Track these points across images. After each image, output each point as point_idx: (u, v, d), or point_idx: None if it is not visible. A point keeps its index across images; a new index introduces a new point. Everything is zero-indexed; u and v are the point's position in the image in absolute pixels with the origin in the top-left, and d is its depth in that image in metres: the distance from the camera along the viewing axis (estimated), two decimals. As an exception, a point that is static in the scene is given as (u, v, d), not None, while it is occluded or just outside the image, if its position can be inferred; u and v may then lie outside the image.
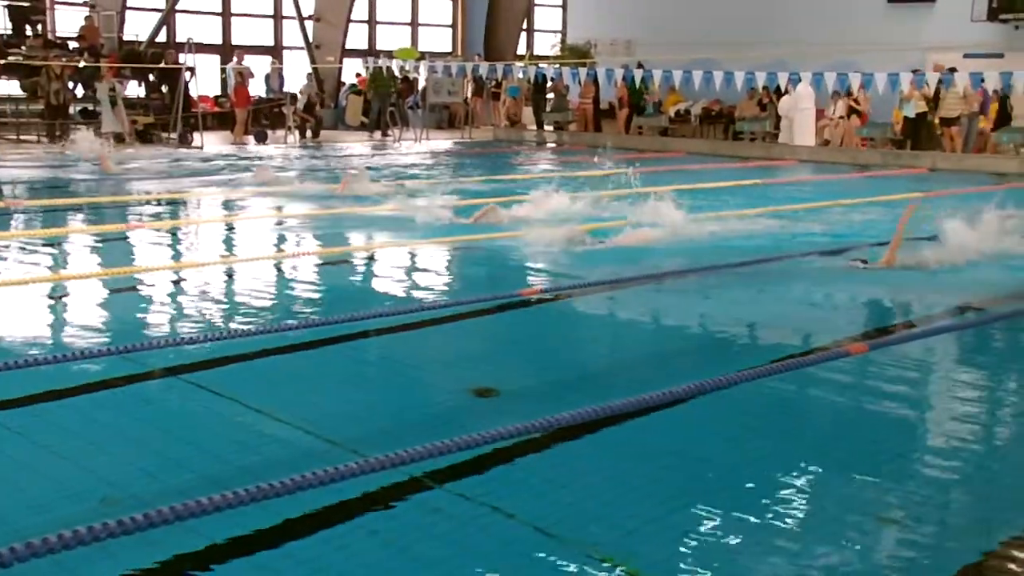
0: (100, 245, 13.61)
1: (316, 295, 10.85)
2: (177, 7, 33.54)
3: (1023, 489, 5.69)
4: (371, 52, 36.40)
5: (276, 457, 5.97)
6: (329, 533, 5.08)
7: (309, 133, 31.27)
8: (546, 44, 41.86)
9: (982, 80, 22.82)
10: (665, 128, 30.96)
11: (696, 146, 29.02)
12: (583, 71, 29.95)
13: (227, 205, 17.21)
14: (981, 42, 26.20)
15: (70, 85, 28.78)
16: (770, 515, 5.27)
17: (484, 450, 5.91)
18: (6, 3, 30.62)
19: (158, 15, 33.10)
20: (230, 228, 15.09)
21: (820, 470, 6.02)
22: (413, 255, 12.84)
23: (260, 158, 24.84)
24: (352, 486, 5.34)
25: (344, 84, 35.60)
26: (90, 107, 28.62)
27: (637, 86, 29.92)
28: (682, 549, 4.90)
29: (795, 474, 5.94)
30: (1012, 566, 4.69)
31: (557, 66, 32.12)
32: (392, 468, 5.46)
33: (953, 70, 23.81)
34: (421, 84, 34.41)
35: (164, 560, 4.71)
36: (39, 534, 4.34)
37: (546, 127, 33.36)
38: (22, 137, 28.11)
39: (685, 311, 10.01)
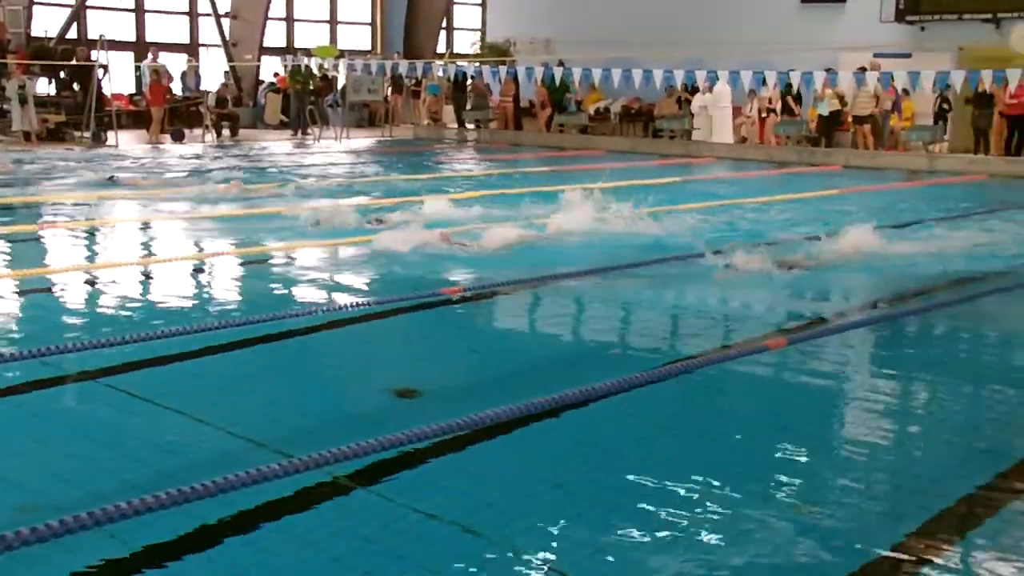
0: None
1: (229, 296, 10.87)
2: (88, 3, 33.23)
3: (929, 483, 5.79)
4: (289, 50, 36.31)
5: (197, 459, 5.97)
6: (252, 536, 5.10)
7: (227, 132, 31.09)
8: (466, 42, 42.01)
9: (892, 79, 23.23)
10: (585, 126, 31.16)
11: (616, 144, 29.25)
12: (503, 69, 30.01)
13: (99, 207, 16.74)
14: (890, 42, 26.63)
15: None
16: (682, 512, 5.38)
17: (405, 449, 5.97)
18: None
19: (68, 10, 32.79)
20: (113, 230, 14.81)
21: (731, 466, 6.16)
22: (298, 257, 12.64)
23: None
24: (274, 488, 5.38)
25: (263, 82, 35.51)
26: (1, 106, 28.32)
27: (557, 84, 30.11)
28: (603, 543, 4.99)
29: (703, 472, 6.06)
30: (918, 557, 4.77)
31: (477, 64, 32.17)
32: (315, 468, 5.51)
33: (863, 69, 24.19)
34: (341, 82, 34.44)
35: (84, 568, 4.68)
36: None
37: (467, 125, 33.45)
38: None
39: (574, 314, 10.17)
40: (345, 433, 6.01)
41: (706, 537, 5.08)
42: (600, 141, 29.71)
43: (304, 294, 10.73)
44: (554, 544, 5.02)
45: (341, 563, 4.88)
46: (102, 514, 4.76)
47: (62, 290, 10.99)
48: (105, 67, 29.61)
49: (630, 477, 5.86)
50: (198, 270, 11.98)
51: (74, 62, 30.02)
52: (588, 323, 10.15)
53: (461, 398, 7.19)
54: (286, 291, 10.76)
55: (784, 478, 5.95)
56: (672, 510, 5.42)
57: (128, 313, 9.80)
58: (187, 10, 35.58)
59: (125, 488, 5.33)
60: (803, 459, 6.27)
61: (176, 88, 32.32)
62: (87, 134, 28.17)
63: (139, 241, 14.12)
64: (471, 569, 4.78)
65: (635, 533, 5.19)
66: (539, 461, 6.22)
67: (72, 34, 32.64)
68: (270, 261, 12.25)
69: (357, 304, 9.72)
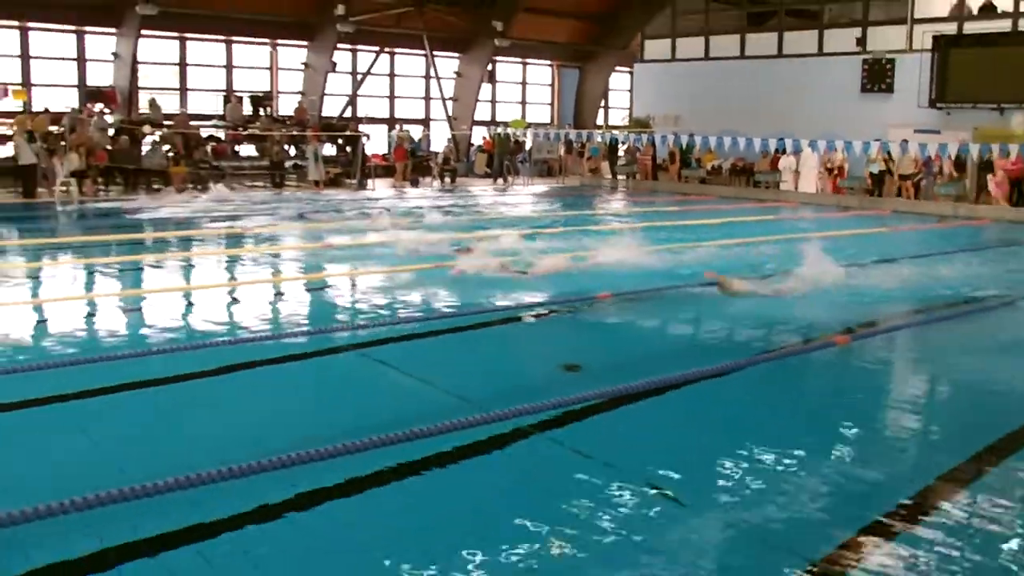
0: (303, 257, 13.93)
1: (440, 295, 10.60)
2: (358, 93, 34.19)
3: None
4: (493, 122, 36.75)
5: (424, 409, 6.23)
6: (467, 464, 5.38)
7: (447, 180, 31.64)
8: (618, 117, 42.04)
9: (926, 148, 22.85)
10: (703, 178, 30.88)
11: (726, 191, 28.99)
12: (644, 136, 30.07)
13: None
14: (925, 122, 26.08)
15: (287, 148, 29.55)
16: (788, 460, 5.51)
17: (572, 408, 6.19)
18: (250, 94, 31.55)
19: (345, 99, 33.80)
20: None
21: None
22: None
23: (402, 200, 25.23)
24: (476, 432, 5.65)
25: (473, 145, 35.92)
26: (299, 162, 29.30)
27: (684, 147, 30.05)
28: (718, 482, 5.17)
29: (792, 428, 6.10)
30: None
31: (626, 133, 32.21)
32: (506, 420, 5.77)
33: (906, 141, 23.71)
34: (528, 145, 34.65)
35: (347, 479, 5.01)
36: (246, 460, 4.72)
37: (618, 176, 33.48)
38: (254, 184, 28.87)
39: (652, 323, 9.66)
40: (528, 395, 6.28)
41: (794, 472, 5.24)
42: (714, 189, 29.47)
43: (484, 295, 10.53)
44: (676, 479, 5.19)
45: (524, 484, 5.14)
46: (359, 444, 5.13)
47: (336, 288, 11.39)
48: (367, 135, 30.50)
49: (743, 433, 6.02)
50: (400, 278, 11.67)
51: (347, 132, 30.89)
52: (694, 323, 9.88)
53: (611, 372, 7.29)
54: (465, 294, 10.47)
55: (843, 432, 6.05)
56: (776, 456, 5.55)
57: (372, 306, 10.13)
58: (423, 95, 36.30)
59: (374, 426, 5.64)
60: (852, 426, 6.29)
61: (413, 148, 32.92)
62: (354, 181, 29.01)
63: (367, 257, 13.78)
64: (611, 487, 5.00)
65: (729, 466, 5.34)
66: (674, 421, 6.36)
67: (347, 114, 33.65)
68: (460, 274, 11.69)
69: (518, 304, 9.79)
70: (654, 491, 5.00)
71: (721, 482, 5.18)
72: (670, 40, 34.57)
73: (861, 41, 29.16)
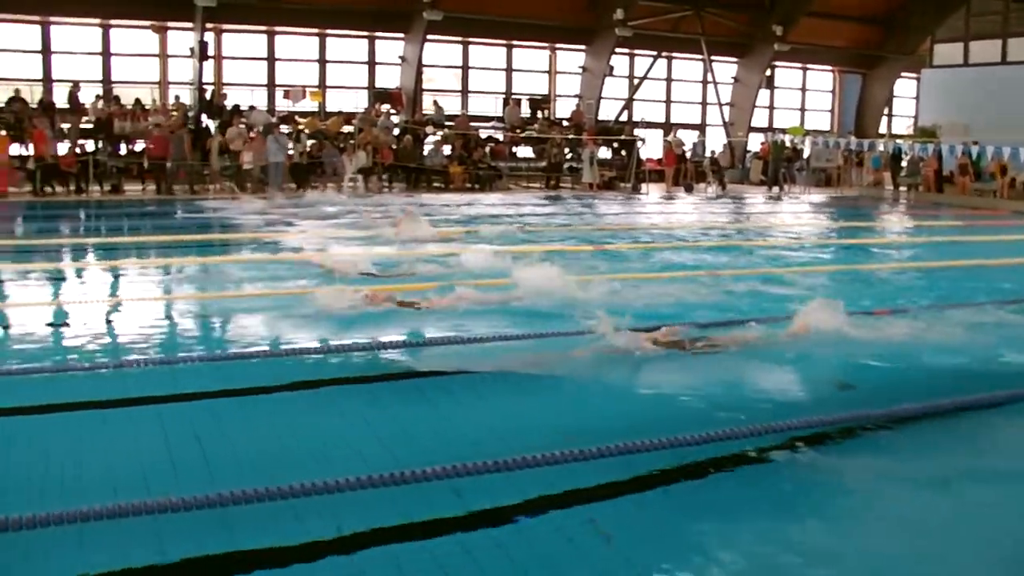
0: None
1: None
2: (634, 97, 34.80)
3: None
4: (770, 128, 36.44)
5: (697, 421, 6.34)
6: (723, 474, 5.40)
7: (719, 186, 31.58)
8: (902, 125, 40.58)
9: None
10: (994, 191, 29.43)
11: (1019, 206, 27.39)
12: (930, 146, 28.97)
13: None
14: None
15: (563, 150, 30.53)
16: None
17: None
18: (528, 97, 32.84)
19: (621, 103, 34.51)
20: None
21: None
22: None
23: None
24: (742, 443, 5.74)
25: (748, 151, 35.72)
26: (574, 165, 30.17)
27: (974, 158, 28.74)
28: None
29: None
30: None
31: (910, 143, 31.15)
32: (776, 432, 5.91)
33: None
34: (806, 153, 34.07)
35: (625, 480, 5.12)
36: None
37: (900, 188, 32.39)
38: (530, 184, 29.98)
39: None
40: (798, 411, 6.33)
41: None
42: (1006, 204, 27.98)
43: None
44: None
45: (799, 492, 5.16)
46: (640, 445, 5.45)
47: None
48: (643, 140, 31.01)
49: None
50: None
51: (623, 136, 31.52)
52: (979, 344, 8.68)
53: (885, 393, 6.92)
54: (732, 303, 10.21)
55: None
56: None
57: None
58: (699, 100, 36.48)
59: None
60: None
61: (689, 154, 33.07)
62: (628, 185, 29.58)
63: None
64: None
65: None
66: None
67: (623, 118, 34.34)
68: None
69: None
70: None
71: None
72: (962, 44, 33.16)
73: None
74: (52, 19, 27.40)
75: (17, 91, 26.57)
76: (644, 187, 29.32)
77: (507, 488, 4.85)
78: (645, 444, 5.42)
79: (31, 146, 23.91)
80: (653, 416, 6.28)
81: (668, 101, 36.05)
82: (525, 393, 6.88)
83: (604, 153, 31.49)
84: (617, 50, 32.64)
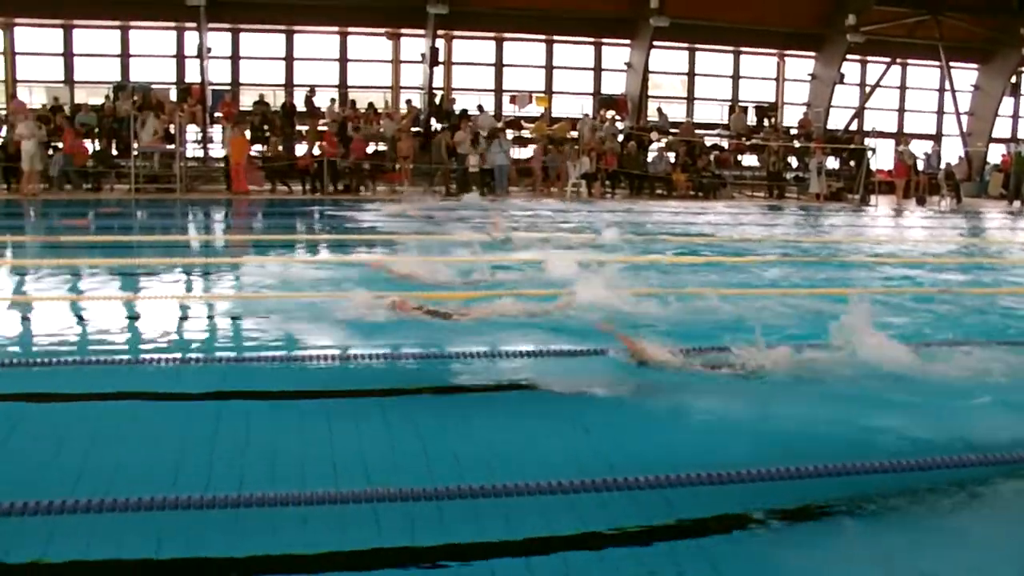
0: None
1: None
2: (866, 106, 33.79)
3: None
4: (1013, 139, 34.64)
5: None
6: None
7: (953, 200, 30.09)
8: None
9: None
10: None
11: None
12: None
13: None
14: None
15: (788, 160, 30.01)
16: None
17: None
18: (754, 105, 32.46)
19: (852, 111, 33.55)
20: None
21: None
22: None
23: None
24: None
25: (987, 164, 34.04)
26: (800, 175, 29.59)
27: None
28: None
29: None
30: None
31: None
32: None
33: None
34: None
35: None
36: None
37: None
38: (754, 194, 29.54)
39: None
40: None
41: None
42: None
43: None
44: None
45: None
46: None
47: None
48: (873, 149, 30.10)
49: None
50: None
51: (852, 146, 30.68)
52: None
53: None
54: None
55: None
56: None
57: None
58: (935, 109, 34.97)
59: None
60: None
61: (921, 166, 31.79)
62: (855, 196, 28.72)
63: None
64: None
65: None
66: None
67: (853, 127, 33.40)
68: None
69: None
70: None
71: None
72: None
73: None
74: (295, 28, 29.07)
75: (261, 95, 28.37)
76: (873, 199, 28.42)
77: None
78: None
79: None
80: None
81: (901, 110, 34.73)
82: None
83: (832, 163, 30.66)
84: (848, 56, 31.75)
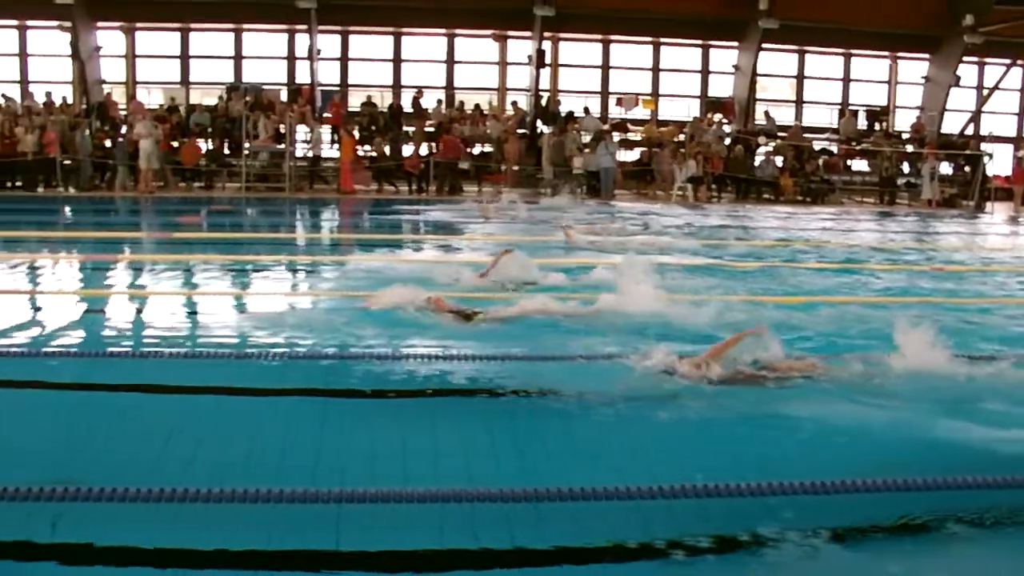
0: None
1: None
2: (983, 109, 32.83)
3: None
4: None
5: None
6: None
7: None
8: None
9: None
10: None
11: None
12: None
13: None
14: None
15: (900, 165, 29.35)
16: None
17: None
18: (865, 108, 31.86)
19: (968, 115, 32.63)
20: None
21: None
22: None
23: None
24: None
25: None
26: (912, 180, 28.93)
27: None
28: None
29: None
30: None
31: None
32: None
33: None
34: None
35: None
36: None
37: None
38: (864, 200, 29.00)
39: None
40: None
41: None
42: None
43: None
44: None
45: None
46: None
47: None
48: (990, 155, 29.25)
49: None
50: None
51: (967, 151, 29.86)
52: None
53: None
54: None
55: None
56: None
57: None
58: (1056, 112, 33.86)
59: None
60: None
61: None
62: (970, 203, 27.98)
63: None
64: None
65: None
66: None
67: (969, 131, 32.48)
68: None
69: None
70: None
71: None
72: None
73: None
74: (403, 30, 29.47)
75: (369, 96, 28.83)
76: (989, 206, 27.61)
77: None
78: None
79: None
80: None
81: (1021, 113, 33.64)
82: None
83: (945, 168, 29.88)
84: (965, 58, 30.89)
